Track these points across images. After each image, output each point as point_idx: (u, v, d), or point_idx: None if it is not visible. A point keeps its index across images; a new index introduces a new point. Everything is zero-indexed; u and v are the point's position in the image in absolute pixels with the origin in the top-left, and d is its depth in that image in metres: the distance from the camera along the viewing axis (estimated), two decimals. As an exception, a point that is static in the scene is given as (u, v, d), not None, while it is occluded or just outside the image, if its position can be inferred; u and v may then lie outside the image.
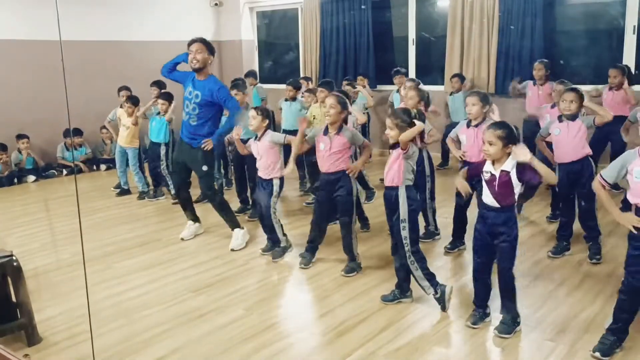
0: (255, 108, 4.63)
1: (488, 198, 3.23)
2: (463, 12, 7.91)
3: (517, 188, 3.16)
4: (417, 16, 8.62)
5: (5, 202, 6.77)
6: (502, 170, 3.15)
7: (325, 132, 4.20)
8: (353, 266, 4.27)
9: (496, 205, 3.19)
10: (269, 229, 4.66)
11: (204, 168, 4.83)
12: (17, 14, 7.75)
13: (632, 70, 6.78)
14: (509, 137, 3.12)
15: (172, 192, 6.33)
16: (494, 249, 3.29)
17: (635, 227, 2.93)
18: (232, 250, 4.80)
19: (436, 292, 3.60)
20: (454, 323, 3.48)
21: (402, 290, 3.73)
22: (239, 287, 4.07)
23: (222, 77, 10.20)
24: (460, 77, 7.64)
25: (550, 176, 3.14)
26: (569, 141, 4.31)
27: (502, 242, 3.23)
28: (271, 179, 4.52)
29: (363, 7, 8.93)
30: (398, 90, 7.42)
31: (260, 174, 4.57)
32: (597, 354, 3.02)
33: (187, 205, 5.24)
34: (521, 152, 3.07)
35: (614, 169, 3.04)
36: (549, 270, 4.23)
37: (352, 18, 9.10)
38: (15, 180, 7.64)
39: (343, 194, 4.18)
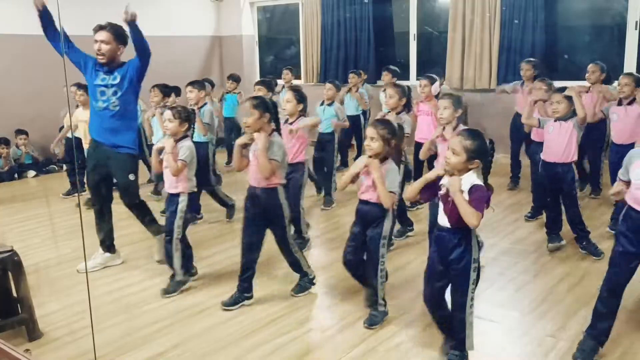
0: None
1: (441, 216, 2.81)
2: (464, 6, 7.88)
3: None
4: (418, 11, 8.60)
5: (5, 197, 6.76)
6: None
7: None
8: (304, 284, 3.85)
9: (447, 225, 2.77)
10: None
11: (131, 177, 4.11)
12: (18, 9, 7.71)
13: (635, 66, 6.76)
14: (477, 152, 2.69)
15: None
16: (447, 276, 2.86)
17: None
18: (158, 262, 4.34)
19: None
20: (454, 319, 3.48)
21: None
22: (240, 283, 4.06)
23: (222, 73, 10.18)
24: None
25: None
26: (560, 141, 4.28)
27: (454, 270, 2.80)
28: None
29: (365, 1, 8.90)
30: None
31: None
32: None
33: (104, 226, 4.34)
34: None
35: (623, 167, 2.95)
36: (550, 266, 4.23)
37: (353, 13, 9.07)
38: (16, 175, 7.64)
39: (272, 205, 3.62)
